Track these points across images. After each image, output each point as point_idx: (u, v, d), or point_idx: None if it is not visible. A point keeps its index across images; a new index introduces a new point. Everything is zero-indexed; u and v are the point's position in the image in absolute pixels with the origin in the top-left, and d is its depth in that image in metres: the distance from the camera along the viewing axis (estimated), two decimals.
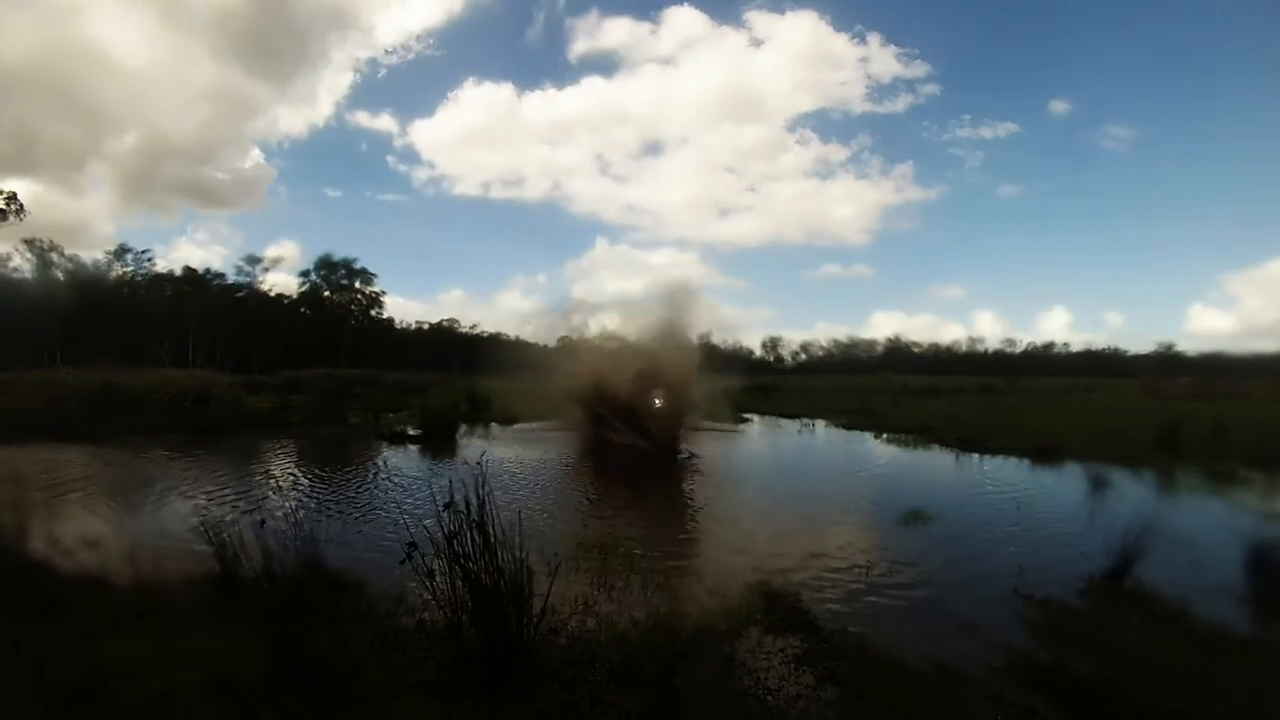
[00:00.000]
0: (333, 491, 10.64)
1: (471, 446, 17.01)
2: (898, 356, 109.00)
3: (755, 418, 27.55)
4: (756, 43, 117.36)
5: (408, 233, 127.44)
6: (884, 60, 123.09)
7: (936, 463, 15.00)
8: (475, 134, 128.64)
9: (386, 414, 24.52)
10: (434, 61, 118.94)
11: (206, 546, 5.73)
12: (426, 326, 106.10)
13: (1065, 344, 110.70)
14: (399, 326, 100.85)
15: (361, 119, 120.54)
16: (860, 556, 7.26)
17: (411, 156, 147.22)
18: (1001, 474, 13.16)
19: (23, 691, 3.78)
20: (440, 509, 4.22)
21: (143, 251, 78.23)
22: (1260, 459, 13.80)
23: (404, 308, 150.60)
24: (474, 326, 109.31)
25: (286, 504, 9.53)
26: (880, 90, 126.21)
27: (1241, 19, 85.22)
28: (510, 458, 14.70)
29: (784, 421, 26.05)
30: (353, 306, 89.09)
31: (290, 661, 3.89)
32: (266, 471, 12.77)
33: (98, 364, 29.69)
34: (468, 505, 4.18)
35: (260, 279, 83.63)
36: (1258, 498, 11.20)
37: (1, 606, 4.82)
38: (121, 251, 77.74)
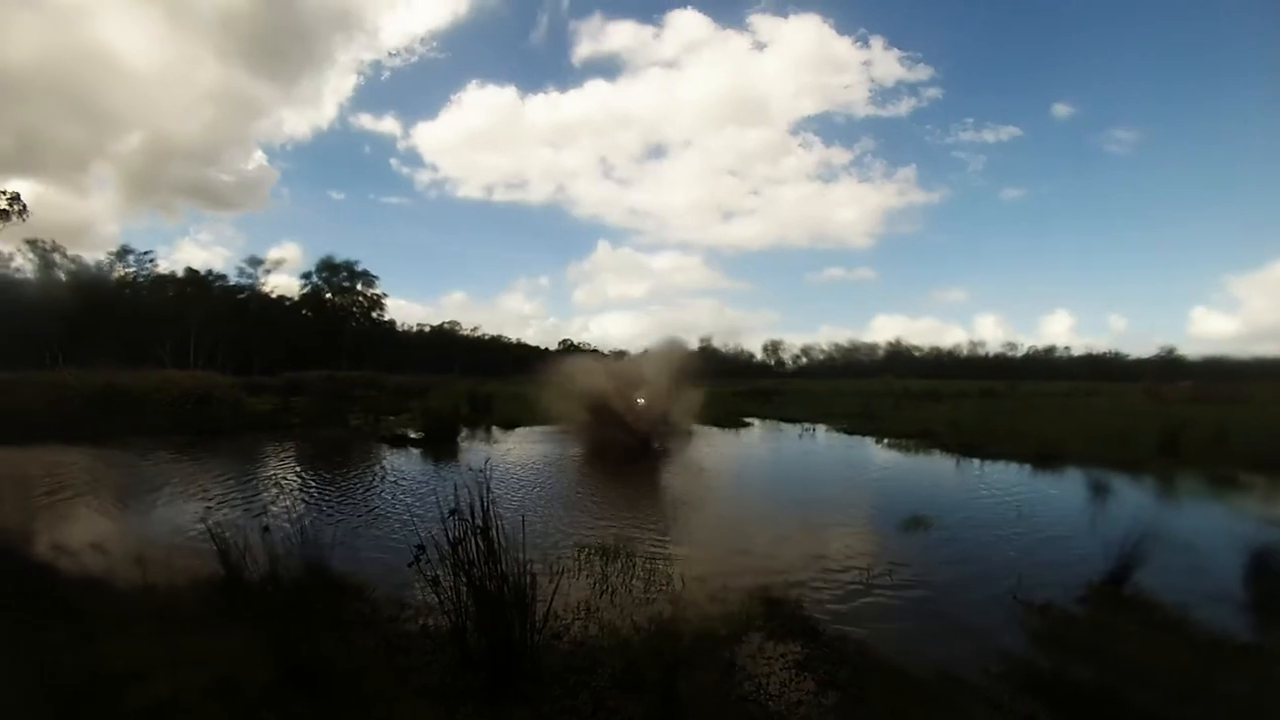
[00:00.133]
0: (334, 495, 10.66)
1: (473, 450, 17.05)
2: (899, 360, 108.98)
3: (756, 422, 27.54)
4: (760, 46, 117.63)
5: (410, 235, 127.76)
6: (887, 63, 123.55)
7: (937, 468, 15.00)
8: (478, 137, 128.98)
9: (387, 416, 24.56)
10: (437, 64, 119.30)
11: (210, 549, 5.75)
12: (428, 329, 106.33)
13: (1067, 348, 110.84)
14: (400, 329, 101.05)
15: (365, 121, 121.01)
16: (860, 561, 7.28)
17: (414, 159, 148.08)
18: (1002, 479, 13.16)
19: (28, 693, 3.80)
20: (445, 515, 4.24)
21: (145, 253, 78.44)
22: (1261, 463, 13.81)
23: (406, 310, 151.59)
24: (475, 329, 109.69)
25: (289, 507, 9.56)
26: (883, 93, 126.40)
27: (1244, 21, 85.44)
28: (512, 461, 14.74)
29: (785, 426, 26.03)
30: (354, 309, 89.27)
31: (294, 664, 3.92)
32: (268, 474, 12.78)
33: (100, 365, 29.78)
34: (472, 512, 4.21)
35: (262, 281, 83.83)
36: (1259, 502, 11.20)
37: (6, 608, 4.84)
38: (124, 252, 77.95)
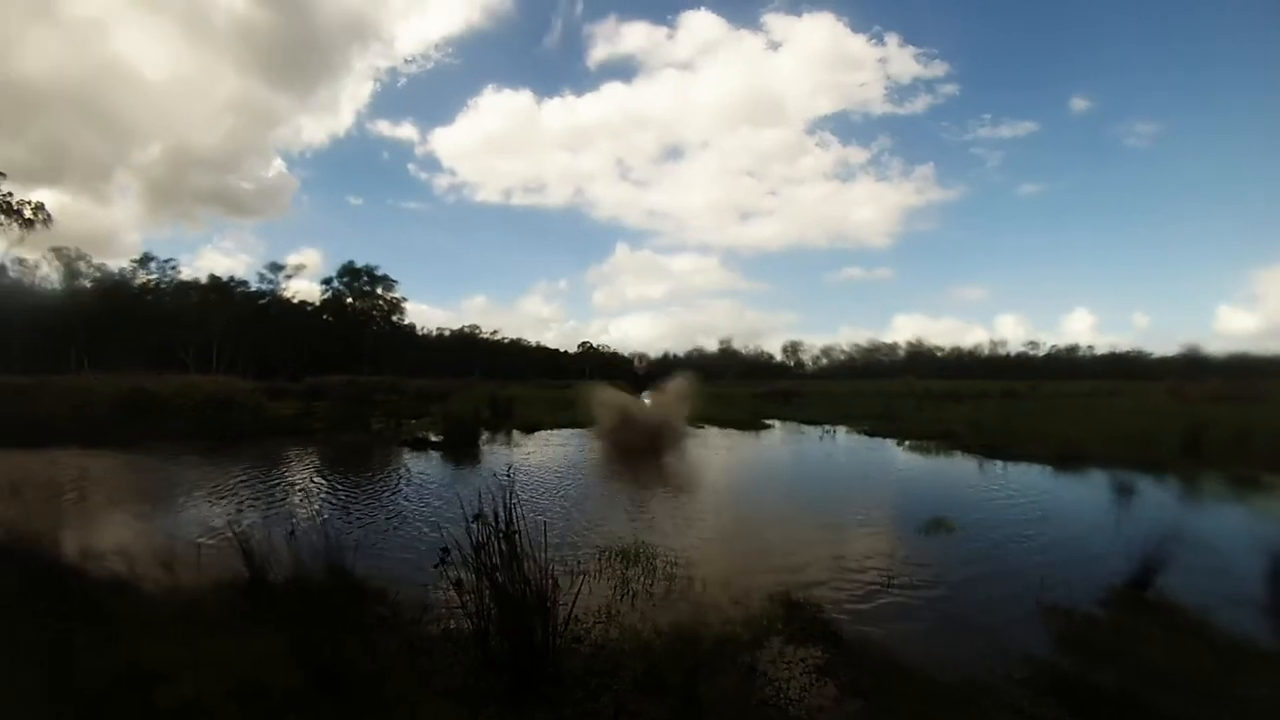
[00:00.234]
0: (356, 498, 10.73)
1: (494, 453, 17.13)
2: (920, 360, 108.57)
3: (776, 424, 27.48)
4: (774, 45, 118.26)
5: (429, 240, 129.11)
6: (902, 60, 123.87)
7: (958, 469, 14.91)
8: (495, 141, 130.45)
9: (409, 421, 24.64)
10: (453, 70, 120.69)
11: (234, 552, 5.82)
12: (448, 333, 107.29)
13: (1090, 346, 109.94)
14: (421, 333, 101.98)
15: (382, 128, 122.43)
16: (881, 563, 7.26)
17: (432, 164, 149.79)
18: (1024, 480, 13.06)
19: (54, 693, 3.85)
20: (469, 520, 4.27)
21: (167, 260, 79.78)
22: None
23: (426, 314, 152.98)
24: (495, 333, 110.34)
25: (312, 510, 9.66)
26: (899, 91, 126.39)
27: (1266, 8, 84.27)
28: (533, 465, 14.78)
29: (805, 428, 25.96)
30: (375, 313, 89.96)
31: (318, 667, 3.96)
32: (291, 478, 12.88)
33: (124, 370, 30.13)
34: (495, 516, 4.24)
35: (283, 286, 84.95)
36: None
37: (33, 610, 4.91)
38: (146, 260, 79.29)
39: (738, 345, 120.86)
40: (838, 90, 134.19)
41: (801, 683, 4.41)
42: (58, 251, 72.26)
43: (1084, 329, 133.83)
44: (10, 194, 59.28)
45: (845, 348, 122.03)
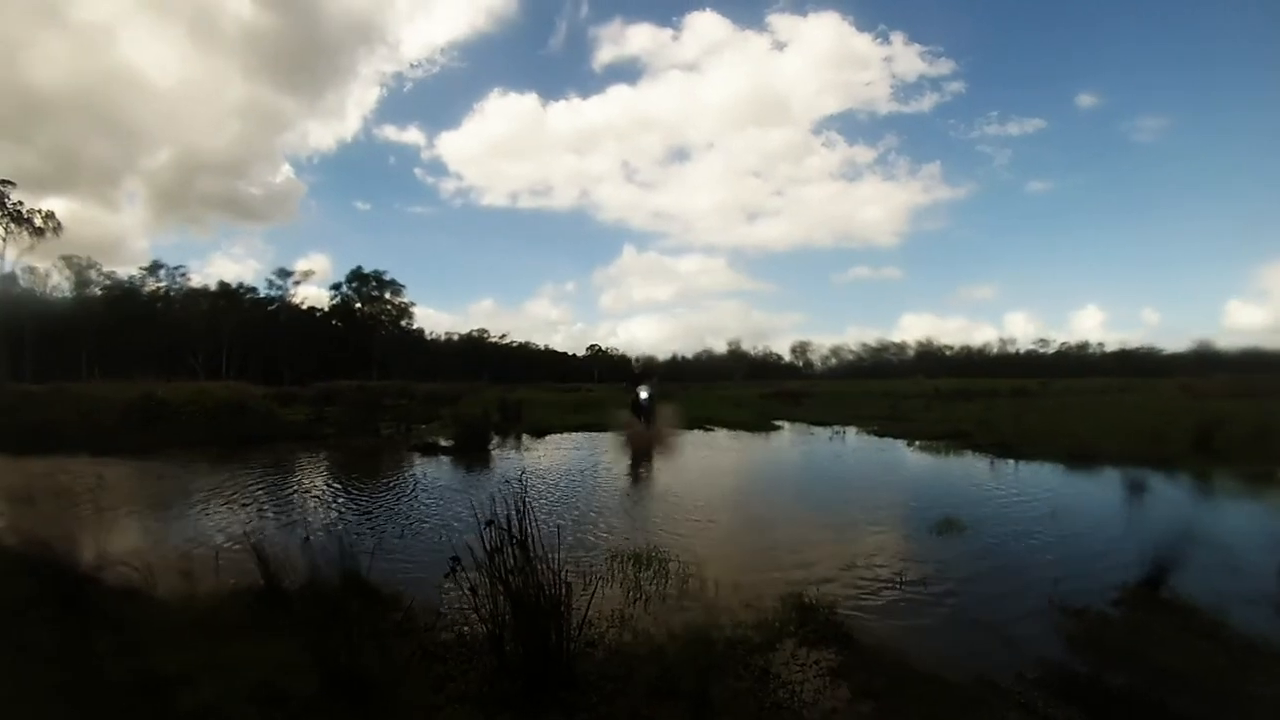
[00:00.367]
0: (369, 504, 10.78)
1: (504, 457, 17.17)
2: (929, 360, 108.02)
3: (786, 425, 27.45)
4: (779, 45, 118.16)
5: (437, 244, 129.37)
6: (908, 59, 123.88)
7: (969, 469, 14.88)
8: (502, 145, 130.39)
9: (419, 425, 24.76)
10: (459, 74, 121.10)
11: (250, 558, 5.85)
12: (456, 337, 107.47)
13: (1100, 343, 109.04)
14: (429, 337, 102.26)
15: (389, 132, 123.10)
16: (893, 564, 7.26)
17: (439, 168, 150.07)
18: (1035, 479, 13.04)
19: (74, 700, 3.89)
20: (481, 525, 4.29)
21: (177, 267, 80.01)
22: None
23: (434, 319, 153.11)
24: (504, 336, 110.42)
25: (326, 516, 9.70)
26: (905, 89, 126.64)
27: (1271, 2, 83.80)
28: (544, 469, 14.83)
29: (815, 429, 25.92)
30: (383, 318, 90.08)
31: (334, 672, 3.98)
32: (304, 484, 12.95)
33: (135, 377, 30.27)
34: (509, 521, 4.26)
35: (292, 292, 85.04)
36: None
37: (52, 617, 4.94)
38: (155, 267, 79.72)
39: (746, 346, 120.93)
40: (843, 89, 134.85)
41: (815, 685, 4.42)
42: (68, 260, 72.75)
43: (1094, 326, 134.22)
44: (21, 203, 59.71)
45: (854, 348, 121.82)
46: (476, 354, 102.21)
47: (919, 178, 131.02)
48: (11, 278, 66.46)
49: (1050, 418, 24.03)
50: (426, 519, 9.60)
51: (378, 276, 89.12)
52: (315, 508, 10.35)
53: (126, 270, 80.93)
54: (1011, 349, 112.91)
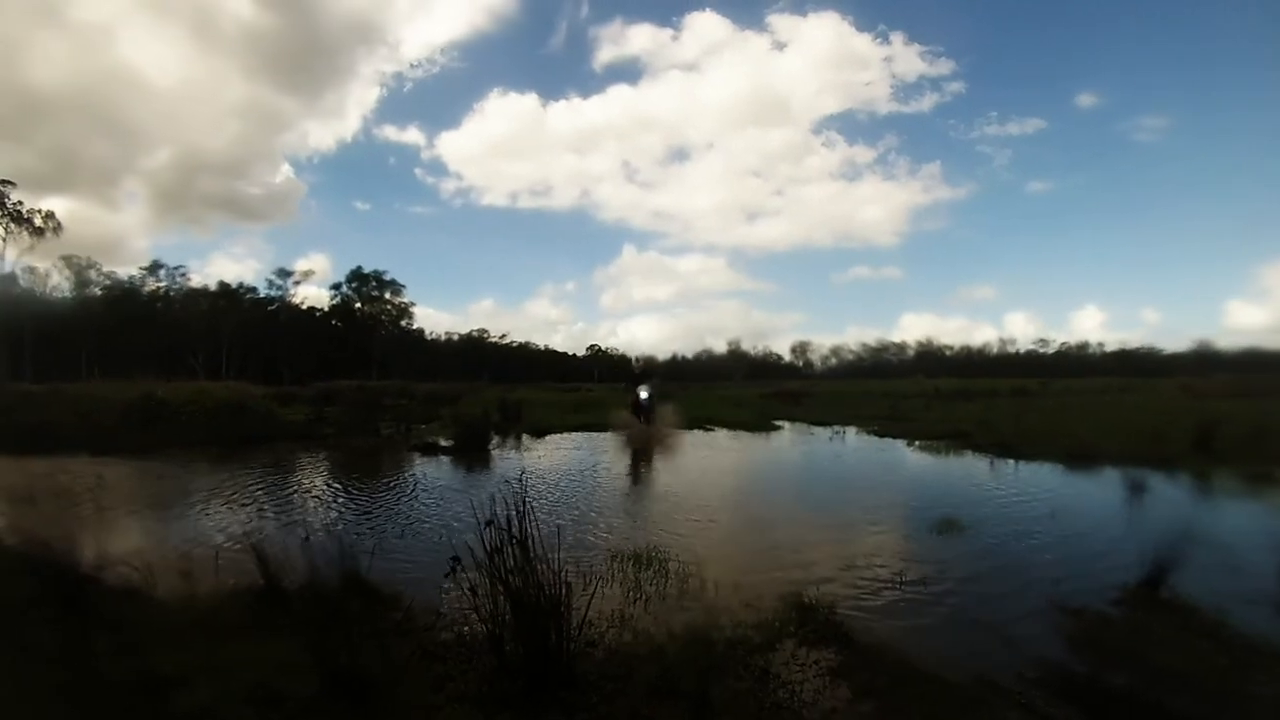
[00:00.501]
0: (369, 504, 10.78)
1: (505, 457, 17.17)
2: (929, 360, 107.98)
3: (786, 425, 27.44)
4: (779, 45, 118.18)
5: (437, 244, 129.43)
6: (908, 59, 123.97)
7: (969, 469, 14.86)
8: (502, 145, 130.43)
9: (419, 425, 24.74)
10: (459, 74, 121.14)
11: (249, 558, 5.85)
12: (456, 337, 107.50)
13: (1100, 343, 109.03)
14: (429, 337, 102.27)
15: (389, 132, 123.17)
16: (893, 564, 7.25)
17: (439, 168, 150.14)
18: (1035, 479, 13.03)
19: (75, 700, 3.88)
20: (481, 524, 4.29)
21: (177, 267, 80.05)
22: None
23: (434, 318, 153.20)
24: (504, 336, 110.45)
25: (326, 516, 9.70)
26: (905, 89, 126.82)
27: (1273, 2, 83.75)
28: (544, 468, 14.83)
29: (815, 429, 25.91)
30: (383, 318, 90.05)
31: (333, 672, 3.98)
32: (304, 484, 12.94)
33: (134, 376, 30.26)
34: (509, 521, 4.26)
35: (292, 292, 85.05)
36: None
37: (53, 618, 4.94)
38: (155, 267, 79.75)
39: (746, 346, 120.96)
40: (843, 89, 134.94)
41: (815, 685, 4.42)
42: (68, 260, 72.78)
43: (1094, 326, 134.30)
44: (21, 203, 59.76)
45: (854, 347, 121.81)
46: (476, 354, 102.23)
47: (919, 178, 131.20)
48: (11, 278, 66.52)
49: (1050, 418, 24.02)
50: (426, 519, 9.59)
51: (378, 276, 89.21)
52: (315, 508, 10.35)
53: (126, 270, 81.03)
54: (1011, 349, 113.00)
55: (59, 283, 73.88)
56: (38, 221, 60.66)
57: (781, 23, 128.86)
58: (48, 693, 3.95)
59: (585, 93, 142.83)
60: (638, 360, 22.08)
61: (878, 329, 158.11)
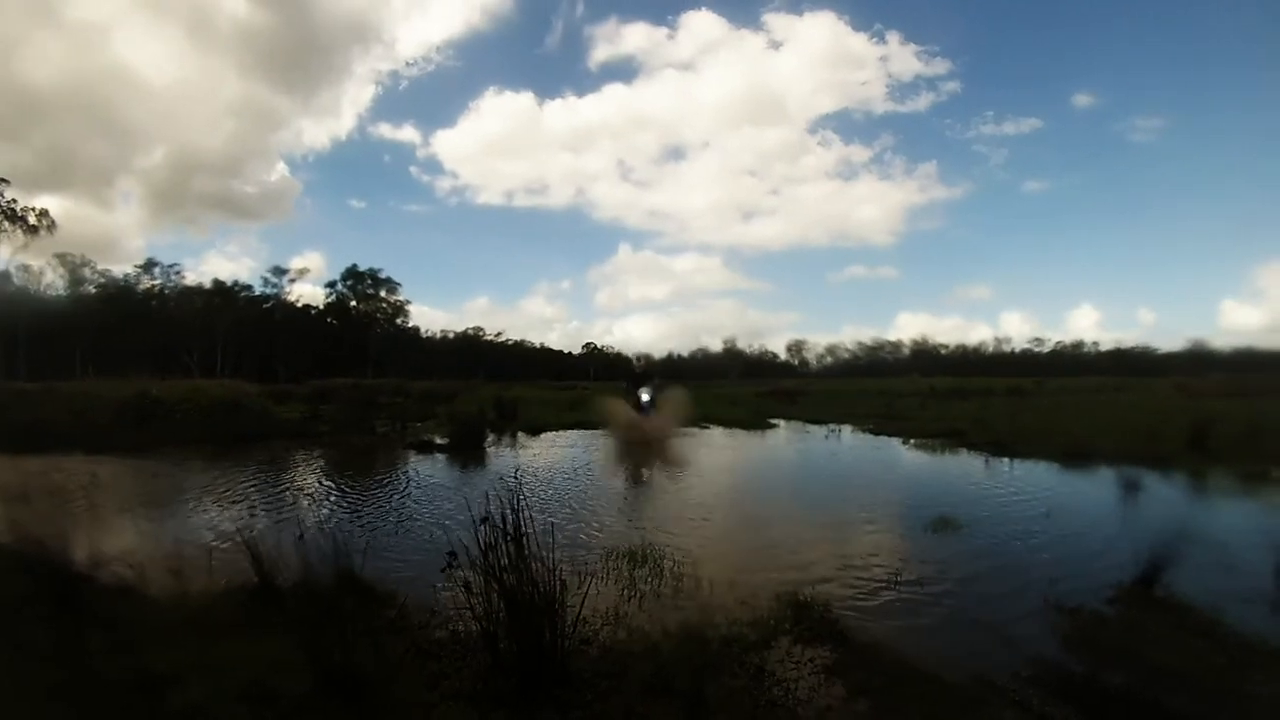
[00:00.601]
0: (364, 501, 10.76)
1: (500, 455, 17.15)
2: (924, 358, 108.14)
3: (781, 423, 27.48)
4: (775, 45, 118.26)
5: (432, 242, 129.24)
6: (904, 58, 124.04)
7: (964, 467, 14.88)
8: (497, 143, 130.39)
9: (414, 423, 24.73)
10: (454, 72, 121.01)
11: (243, 556, 5.83)
12: (452, 335, 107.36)
13: (1095, 343, 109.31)
14: (425, 335, 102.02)
15: (384, 130, 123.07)
16: (888, 563, 7.25)
17: (434, 167, 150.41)
18: (1031, 478, 13.05)
19: (63, 696, 3.87)
20: (476, 522, 4.28)
21: (171, 265, 79.87)
22: None
23: (429, 316, 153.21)
24: (499, 334, 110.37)
25: (320, 514, 9.68)
26: (901, 89, 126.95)
27: (1270, 4, 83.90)
28: (540, 466, 14.82)
29: (810, 427, 25.94)
30: (378, 316, 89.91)
31: (327, 671, 3.96)
32: (299, 481, 12.92)
33: (129, 374, 30.19)
34: (503, 518, 4.24)
35: (287, 290, 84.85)
36: None
37: (48, 616, 4.92)
38: (150, 265, 79.53)
39: (741, 345, 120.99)
40: (839, 89, 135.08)
41: (810, 683, 4.41)
42: (62, 257, 72.52)
43: (1089, 325, 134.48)
44: (14, 200, 59.59)
45: (849, 346, 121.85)
46: (472, 352, 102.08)
47: (915, 177, 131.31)
48: (5, 276, 66.36)
49: (1045, 417, 24.08)
50: (420, 517, 9.58)
51: (373, 274, 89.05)
52: (309, 505, 10.33)
53: (121, 269, 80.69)
54: (1007, 348, 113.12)
55: (53, 281, 73.70)
56: (32, 219, 60.56)
57: (777, 22, 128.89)
58: (44, 692, 3.93)
59: (580, 91, 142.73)
60: (639, 359, 21.81)
61: (873, 328, 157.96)
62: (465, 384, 56.77)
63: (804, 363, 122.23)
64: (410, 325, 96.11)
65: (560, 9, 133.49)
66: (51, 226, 61.97)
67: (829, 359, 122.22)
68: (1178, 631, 5.30)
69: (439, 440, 18.80)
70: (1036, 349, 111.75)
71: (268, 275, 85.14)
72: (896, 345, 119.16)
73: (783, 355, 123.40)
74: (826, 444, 20.44)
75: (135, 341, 65.24)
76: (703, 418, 26.09)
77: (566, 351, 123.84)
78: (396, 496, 11.22)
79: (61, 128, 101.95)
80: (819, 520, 9.52)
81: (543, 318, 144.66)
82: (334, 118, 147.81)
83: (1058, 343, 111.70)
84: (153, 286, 79.37)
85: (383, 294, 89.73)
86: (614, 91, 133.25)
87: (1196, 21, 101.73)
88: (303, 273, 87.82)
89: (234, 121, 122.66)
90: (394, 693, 3.99)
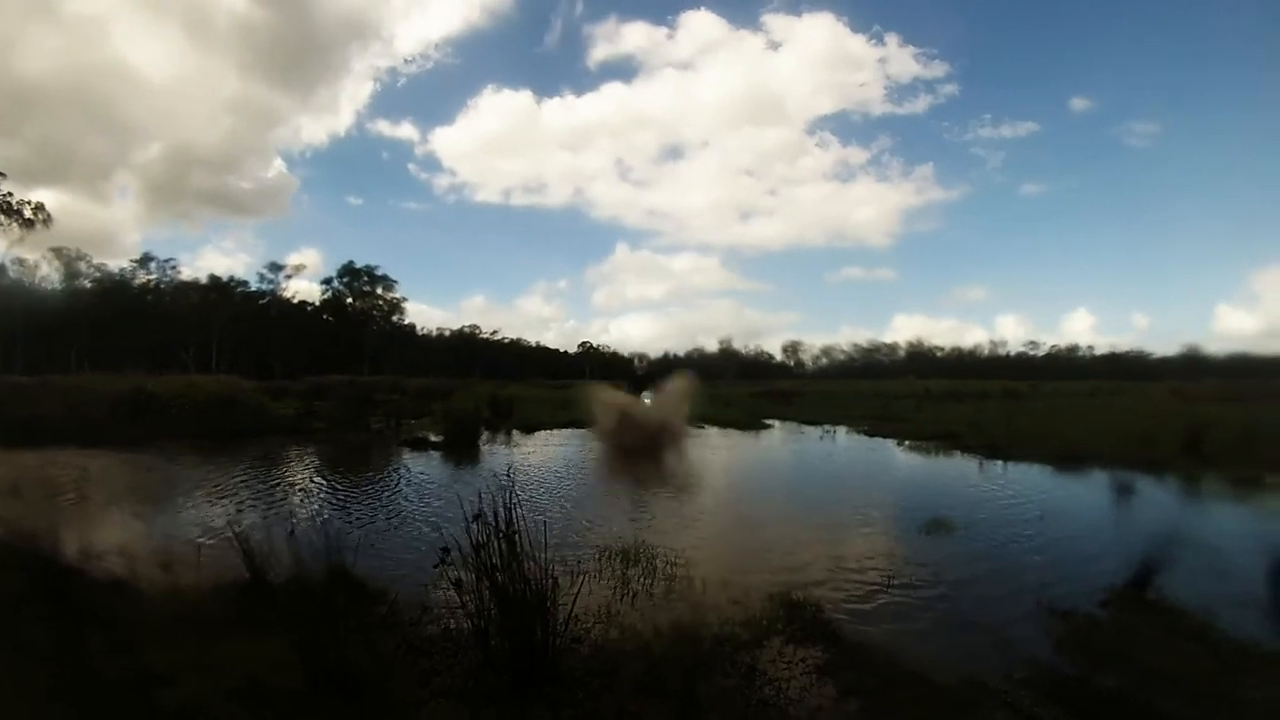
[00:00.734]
0: (357, 498, 10.76)
1: (494, 453, 17.15)
2: (920, 360, 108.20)
3: (776, 424, 27.47)
4: (774, 45, 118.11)
5: (429, 240, 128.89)
6: (903, 60, 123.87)
7: (959, 469, 14.92)
8: (496, 141, 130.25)
9: (409, 420, 24.69)
10: (453, 70, 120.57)
11: (236, 552, 5.81)
12: (448, 333, 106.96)
13: (1090, 347, 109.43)
14: (421, 333, 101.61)
15: (382, 127, 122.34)
16: (881, 564, 7.27)
17: (433, 164, 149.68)
18: (1025, 481, 13.07)
19: (58, 693, 3.86)
20: (469, 520, 4.27)
21: (167, 260, 79.36)
22: None
23: (426, 314, 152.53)
24: (495, 332, 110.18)
25: (312, 510, 9.67)
26: (899, 91, 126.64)
27: (1261, 8, 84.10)
28: (533, 465, 14.81)
29: (805, 428, 25.96)
30: (375, 313, 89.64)
31: (319, 668, 3.96)
32: (293, 478, 12.91)
33: (124, 369, 30.14)
34: (496, 516, 4.24)
35: (283, 286, 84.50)
36: None
37: (37, 613, 4.90)
38: (146, 260, 79.07)
39: (737, 345, 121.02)
40: (838, 90, 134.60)
41: (801, 683, 4.41)
42: (58, 252, 72.21)
43: (1084, 329, 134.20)
44: (10, 194, 59.32)
45: (845, 348, 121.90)
46: (468, 350, 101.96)
47: (912, 179, 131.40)
48: (1, 270, 66.09)
49: (1040, 420, 24.12)
50: (414, 513, 9.59)
51: (369, 271, 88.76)
52: (303, 502, 10.33)
53: (117, 263, 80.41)
54: (1002, 351, 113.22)
55: (49, 275, 73.44)
56: (27, 213, 60.17)
57: (776, 22, 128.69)
58: (44, 692, 3.92)
59: (579, 90, 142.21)
60: (640, 360, 21.39)
61: (870, 329, 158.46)
62: (461, 382, 56.68)
63: (799, 364, 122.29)
64: (406, 323, 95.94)
65: (560, 7, 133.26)
66: (47, 221, 61.64)
67: (824, 360, 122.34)
68: (1170, 635, 5.31)
69: (434, 438, 18.82)
70: (1032, 352, 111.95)
71: (264, 271, 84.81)
72: (892, 347, 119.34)
73: (778, 356, 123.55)
74: (821, 445, 20.48)
75: (131, 336, 65.00)
76: (698, 418, 26.10)
77: (563, 351, 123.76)
78: (390, 493, 11.23)
79: (59, 122, 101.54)
80: (813, 521, 9.52)
81: (539, 316, 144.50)
82: (332, 114, 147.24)
83: (1053, 346, 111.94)
84: (148, 281, 79.07)
85: (379, 291, 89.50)
86: (613, 90, 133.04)
87: (1194, 27, 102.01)
88: (299, 269, 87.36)
89: (232, 118, 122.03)
90: (386, 690, 3.98)
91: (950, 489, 12.34)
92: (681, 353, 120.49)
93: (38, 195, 71.33)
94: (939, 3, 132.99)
